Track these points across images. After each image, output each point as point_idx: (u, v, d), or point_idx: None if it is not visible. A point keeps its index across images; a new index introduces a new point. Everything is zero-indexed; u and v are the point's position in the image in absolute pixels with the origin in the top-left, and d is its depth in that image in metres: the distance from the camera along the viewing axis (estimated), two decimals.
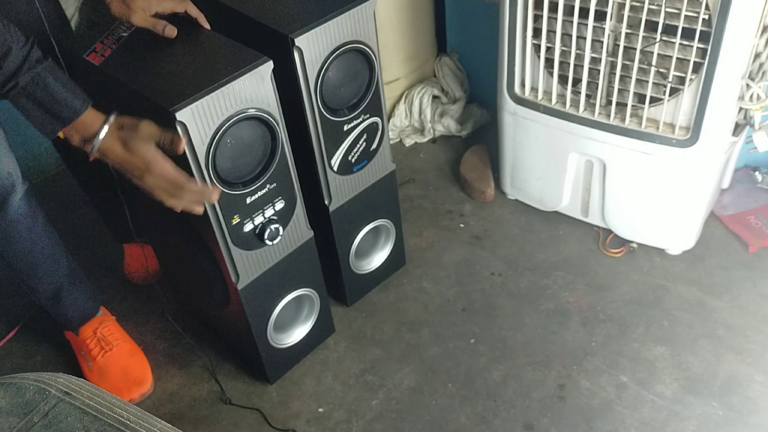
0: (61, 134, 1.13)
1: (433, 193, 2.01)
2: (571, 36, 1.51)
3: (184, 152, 1.15)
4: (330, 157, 1.43)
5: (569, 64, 1.56)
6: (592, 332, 1.60)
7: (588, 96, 1.58)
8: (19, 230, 1.38)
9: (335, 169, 1.46)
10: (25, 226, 1.39)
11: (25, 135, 1.59)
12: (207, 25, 1.30)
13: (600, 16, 1.45)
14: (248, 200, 1.29)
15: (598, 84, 1.55)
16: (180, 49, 1.25)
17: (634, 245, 1.76)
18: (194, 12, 1.28)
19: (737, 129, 1.53)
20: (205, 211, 1.24)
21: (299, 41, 1.24)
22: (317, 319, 1.59)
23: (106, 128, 1.12)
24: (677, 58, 1.41)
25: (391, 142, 2.15)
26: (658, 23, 1.39)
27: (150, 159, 1.13)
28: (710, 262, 1.72)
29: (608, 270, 1.73)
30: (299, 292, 1.50)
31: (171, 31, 1.24)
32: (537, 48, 1.59)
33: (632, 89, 1.50)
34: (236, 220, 1.29)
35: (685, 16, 1.35)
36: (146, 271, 1.81)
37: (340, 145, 1.44)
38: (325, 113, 1.37)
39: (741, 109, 1.50)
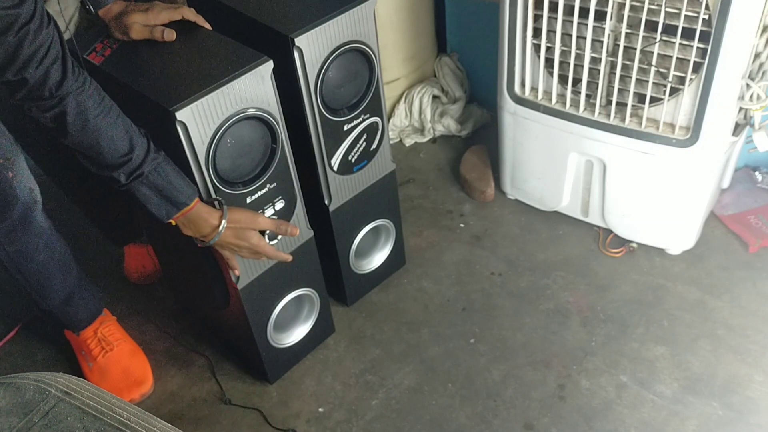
0: (173, 221, 1.21)
1: (433, 193, 2.01)
2: (571, 36, 1.51)
3: (184, 152, 1.16)
4: (330, 157, 1.43)
5: (569, 64, 1.56)
6: (592, 332, 1.60)
7: (588, 96, 1.58)
8: (40, 243, 1.40)
9: (335, 169, 1.46)
10: (45, 238, 1.41)
11: None
12: (208, 26, 1.30)
13: (600, 15, 1.45)
14: (248, 200, 1.29)
15: (598, 84, 1.55)
16: (180, 49, 1.25)
17: (634, 245, 1.76)
18: (192, 17, 1.28)
19: (737, 129, 1.53)
20: None
21: (299, 41, 1.24)
22: (317, 319, 1.59)
23: (224, 223, 1.22)
24: (677, 58, 1.41)
25: (391, 142, 2.15)
26: (658, 23, 1.39)
27: (255, 243, 1.28)
28: (710, 262, 1.72)
29: (608, 270, 1.73)
30: (299, 292, 1.50)
31: (170, 35, 1.25)
32: (537, 48, 1.59)
33: (632, 89, 1.49)
34: None
35: (685, 15, 1.35)
36: (146, 271, 1.81)
37: (340, 145, 1.44)
38: (325, 113, 1.36)
39: (741, 109, 1.50)
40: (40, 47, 0.99)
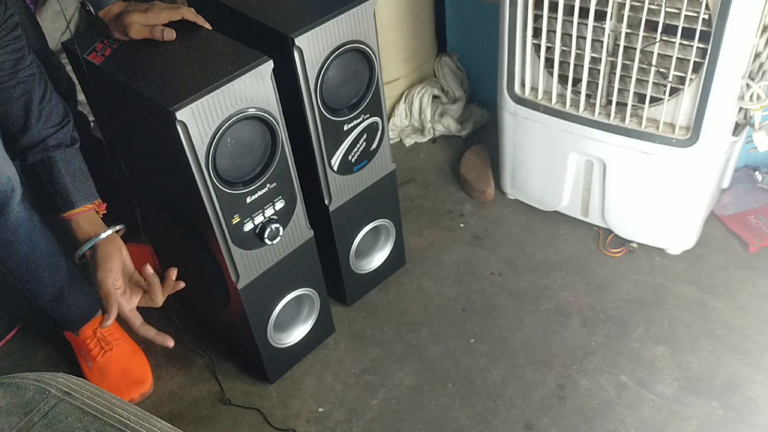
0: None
1: (433, 193, 2.01)
2: (571, 36, 1.51)
3: (185, 152, 1.16)
4: (330, 156, 1.43)
5: (569, 63, 1.56)
6: (592, 332, 1.60)
7: (588, 96, 1.58)
8: (20, 235, 1.39)
9: (335, 168, 1.46)
10: (25, 229, 1.39)
11: None
12: (208, 26, 1.30)
13: (600, 15, 1.45)
14: (248, 200, 1.29)
15: (598, 84, 1.55)
16: (180, 49, 1.25)
17: (634, 245, 1.76)
18: (191, 17, 1.28)
19: (737, 129, 1.53)
20: (206, 210, 1.24)
21: (299, 41, 1.24)
22: (317, 319, 1.59)
23: (93, 241, 1.18)
24: (677, 58, 1.41)
25: (391, 141, 2.15)
26: (658, 23, 1.39)
27: (109, 285, 1.21)
28: (710, 262, 1.72)
29: (608, 270, 1.73)
30: (299, 291, 1.50)
31: (170, 34, 1.24)
32: (537, 48, 1.59)
33: (632, 89, 1.49)
34: (236, 219, 1.29)
35: (685, 15, 1.35)
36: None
37: (340, 145, 1.44)
38: (325, 113, 1.36)
39: (741, 108, 1.50)
40: None
